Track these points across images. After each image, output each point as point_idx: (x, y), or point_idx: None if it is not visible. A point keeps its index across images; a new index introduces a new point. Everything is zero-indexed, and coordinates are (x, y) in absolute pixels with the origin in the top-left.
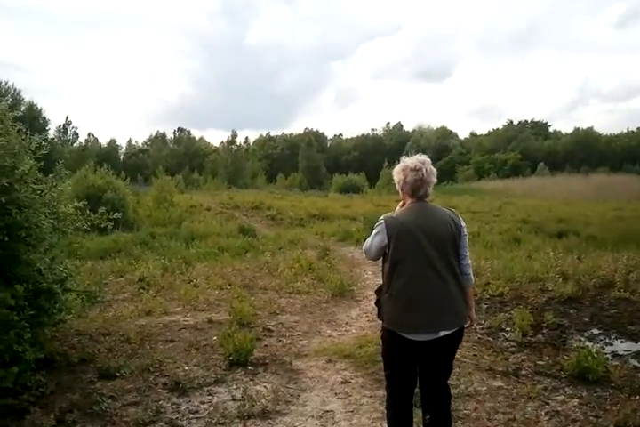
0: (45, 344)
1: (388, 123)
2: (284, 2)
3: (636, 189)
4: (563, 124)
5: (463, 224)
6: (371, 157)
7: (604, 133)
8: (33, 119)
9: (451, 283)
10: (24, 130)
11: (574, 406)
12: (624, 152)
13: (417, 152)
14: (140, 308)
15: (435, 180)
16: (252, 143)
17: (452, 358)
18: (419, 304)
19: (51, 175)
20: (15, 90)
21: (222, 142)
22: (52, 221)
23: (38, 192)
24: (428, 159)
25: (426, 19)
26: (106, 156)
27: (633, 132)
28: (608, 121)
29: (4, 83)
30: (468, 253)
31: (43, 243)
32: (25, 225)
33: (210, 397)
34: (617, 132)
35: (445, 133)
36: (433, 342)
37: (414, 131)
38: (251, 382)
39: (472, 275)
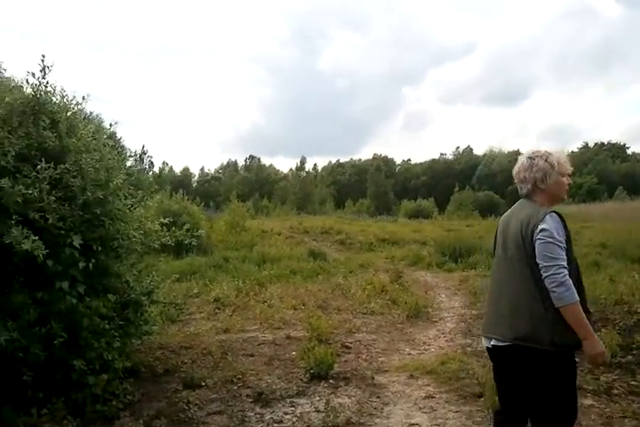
0: (131, 355)
1: (458, 147)
2: (354, 27)
3: None
4: None
5: (542, 226)
6: (440, 182)
7: None
8: (112, 148)
9: (511, 291)
10: (116, 146)
11: None
12: None
13: (487, 177)
14: (217, 326)
15: (533, 175)
16: (320, 169)
17: (540, 388)
18: (488, 306)
19: (140, 191)
20: (99, 119)
21: (291, 169)
22: (140, 235)
23: (129, 206)
24: (545, 151)
25: (498, 41)
26: (179, 183)
27: None
28: None
29: (88, 112)
30: (553, 264)
31: (132, 256)
32: (117, 237)
33: (293, 408)
34: None
35: (517, 157)
36: (493, 351)
37: (485, 155)
38: (333, 395)
39: (561, 292)
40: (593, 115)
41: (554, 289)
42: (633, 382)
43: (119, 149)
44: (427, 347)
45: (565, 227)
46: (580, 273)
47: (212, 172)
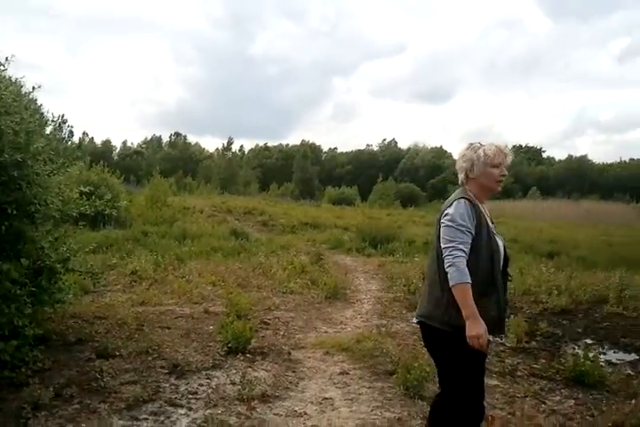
0: (43, 323)
1: (384, 139)
2: (291, 16)
3: (624, 217)
4: (557, 152)
5: (447, 211)
6: (364, 172)
7: (598, 162)
8: (34, 111)
9: (427, 273)
10: (37, 111)
11: (570, 406)
12: (615, 181)
13: (410, 170)
14: (133, 298)
15: (463, 165)
16: (246, 151)
17: (442, 364)
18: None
19: (60, 159)
20: (20, 82)
21: (217, 149)
22: (59, 201)
23: (48, 172)
24: (473, 144)
25: (430, 42)
26: (100, 155)
27: (625, 162)
28: (602, 151)
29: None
30: (447, 245)
31: (48, 222)
32: (33, 202)
33: (208, 380)
34: (610, 161)
35: (440, 153)
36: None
37: (409, 149)
38: (249, 369)
39: (451, 272)
40: (513, 119)
41: (446, 269)
42: (535, 366)
43: (40, 114)
44: (343, 326)
45: (477, 213)
46: (497, 260)
47: (135, 146)
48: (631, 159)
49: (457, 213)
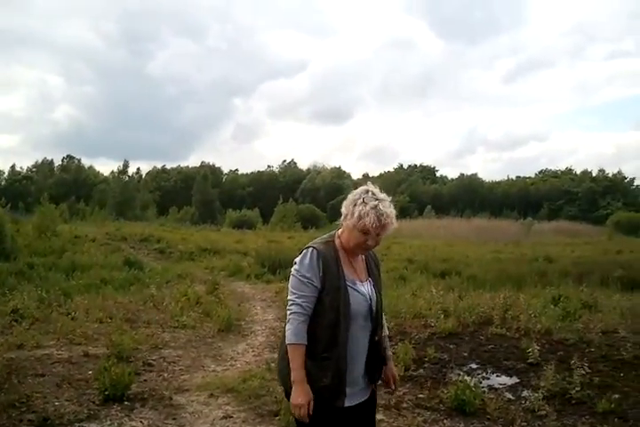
0: None
1: (285, 160)
2: (189, 34)
3: (512, 233)
4: (449, 170)
5: (296, 259)
6: (265, 193)
7: (487, 180)
8: None
9: None
10: None
11: None
12: (504, 198)
13: (310, 191)
14: (10, 341)
15: (342, 209)
16: (144, 175)
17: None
18: None
19: None
20: None
21: (113, 172)
22: None
23: None
24: (367, 194)
25: (329, 62)
26: None
27: (512, 179)
28: (491, 168)
29: None
30: (289, 298)
31: None
32: None
33: None
34: (499, 179)
35: (340, 174)
36: None
37: (308, 169)
38: (126, 418)
39: (285, 330)
40: (409, 138)
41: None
42: (421, 395)
43: None
44: (233, 362)
45: (327, 265)
46: (343, 319)
47: (25, 171)
48: (517, 177)
49: (301, 262)
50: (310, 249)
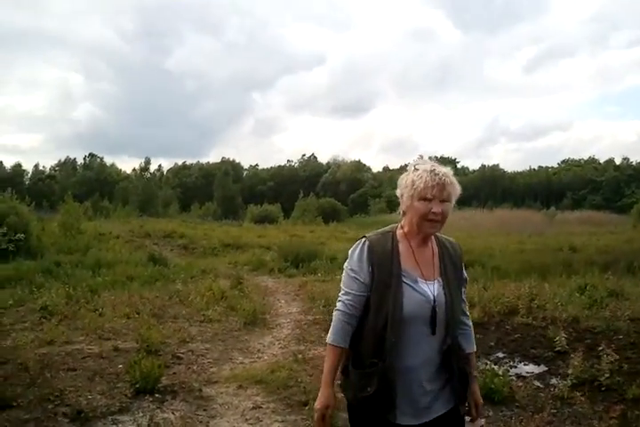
0: None
1: (304, 155)
2: (207, 29)
3: (535, 224)
4: (471, 162)
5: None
6: (286, 188)
7: (509, 171)
8: None
9: None
10: None
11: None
12: (526, 189)
13: (331, 185)
14: (40, 337)
15: (397, 192)
16: (165, 171)
17: None
18: None
19: None
20: None
21: (134, 169)
22: None
23: None
24: (413, 163)
25: (347, 54)
26: (9, 181)
27: (534, 169)
28: (513, 159)
29: None
30: (339, 293)
31: None
32: None
33: (114, 426)
34: (521, 169)
35: (359, 167)
36: None
37: (328, 163)
38: (158, 410)
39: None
40: (429, 130)
41: None
42: None
43: None
44: (260, 355)
45: (379, 259)
46: (396, 320)
47: (48, 170)
48: (540, 166)
49: (351, 255)
50: (362, 241)
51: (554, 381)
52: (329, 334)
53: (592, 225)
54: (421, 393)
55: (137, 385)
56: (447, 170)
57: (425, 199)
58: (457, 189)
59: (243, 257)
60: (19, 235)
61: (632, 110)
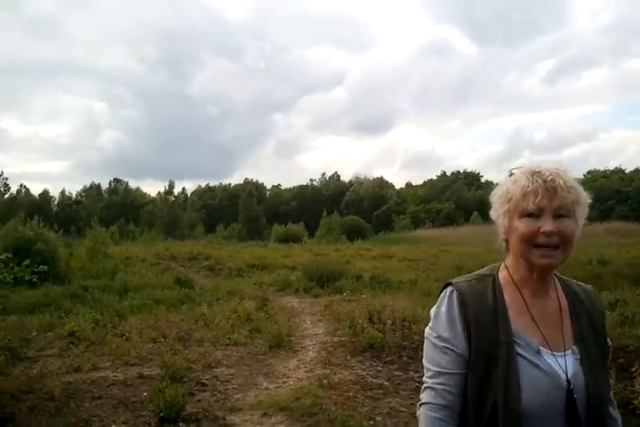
0: None
1: (324, 173)
2: (227, 54)
3: None
4: (495, 175)
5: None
6: (309, 207)
7: None
8: None
9: None
10: None
11: None
12: None
13: (354, 202)
14: (67, 364)
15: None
16: (189, 194)
17: None
18: None
19: None
20: None
21: (159, 193)
22: None
23: None
24: (518, 167)
25: (365, 74)
26: (37, 207)
27: None
28: None
29: None
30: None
31: None
32: None
33: None
34: None
35: (382, 184)
36: None
37: (351, 181)
38: None
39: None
40: (451, 145)
41: None
42: None
43: None
44: (285, 380)
45: (477, 317)
46: (509, 411)
47: (74, 195)
48: None
49: (435, 315)
50: (448, 289)
51: None
52: None
53: (621, 236)
54: None
55: (161, 414)
56: (562, 171)
57: (529, 215)
58: (581, 197)
59: (268, 277)
60: (42, 267)
61: None
